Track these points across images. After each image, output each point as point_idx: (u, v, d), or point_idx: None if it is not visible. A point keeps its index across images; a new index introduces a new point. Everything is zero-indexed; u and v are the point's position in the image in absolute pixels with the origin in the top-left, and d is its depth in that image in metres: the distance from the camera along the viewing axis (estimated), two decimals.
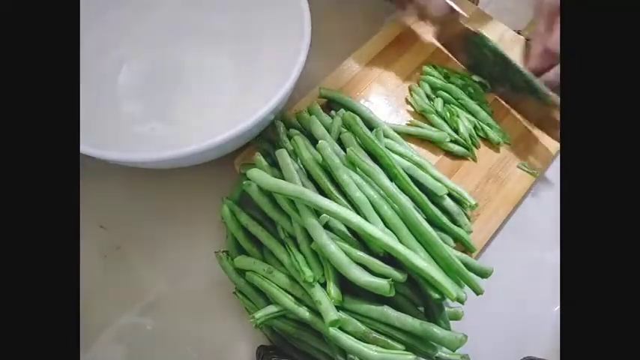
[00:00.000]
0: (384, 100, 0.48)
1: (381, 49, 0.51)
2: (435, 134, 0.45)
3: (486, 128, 0.46)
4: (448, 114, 0.47)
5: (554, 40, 0.44)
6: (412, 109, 0.48)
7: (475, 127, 0.46)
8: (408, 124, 0.47)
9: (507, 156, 0.46)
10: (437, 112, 0.47)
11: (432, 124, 0.47)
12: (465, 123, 0.46)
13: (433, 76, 0.49)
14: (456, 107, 0.47)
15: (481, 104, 0.48)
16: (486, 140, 0.47)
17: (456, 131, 0.46)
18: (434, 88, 0.48)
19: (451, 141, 0.45)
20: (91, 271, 0.41)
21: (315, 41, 0.39)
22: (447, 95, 0.48)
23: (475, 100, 0.48)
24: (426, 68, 0.50)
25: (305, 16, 0.40)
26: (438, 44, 0.51)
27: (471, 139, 0.46)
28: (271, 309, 0.35)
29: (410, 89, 0.49)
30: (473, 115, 0.47)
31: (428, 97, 0.48)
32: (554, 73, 0.45)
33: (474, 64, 0.50)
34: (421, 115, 0.47)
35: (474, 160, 0.46)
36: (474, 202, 0.41)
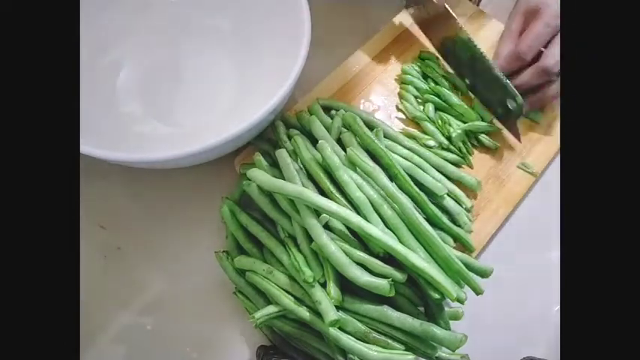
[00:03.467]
0: (384, 99, 0.48)
1: (382, 49, 0.51)
2: (431, 143, 0.45)
3: (482, 137, 0.45)
4: (440, 121, 0.46)
5: (525, 45, 0.42)
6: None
7: (467, 134, 0.45)
8: (402, 131, 0.46)
9: (507, 156, 0.46)
10: (429, 118, 0.46)
11: (425, 132, 0.46)
12: (457, 130, 0.45)
13: (411, 74, 0.48)
14: (447, 115, 0.46)
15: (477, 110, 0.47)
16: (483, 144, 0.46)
17: (449, 138, 0.45)
18: (419, 90, 0.48)
19: (443, 149, 0.45)
20: (91, 271, 0.41)
21: (315, 41, 0.39)
22: (436, 99, 0.47)
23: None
24: (404, 67, 0.49)
25: (305, 16, 0.40)
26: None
27: (465, 147, 0.45)
28: (271, 309, 0.35)
29: (399, 96, 0.48)
30: (464, 122, 0.46)
31: (416, 99, 0.47)
32: (528, 75, 0.43)
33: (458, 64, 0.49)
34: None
35: (470, 167, 0.45)
36: (469, 205, 0.41)
